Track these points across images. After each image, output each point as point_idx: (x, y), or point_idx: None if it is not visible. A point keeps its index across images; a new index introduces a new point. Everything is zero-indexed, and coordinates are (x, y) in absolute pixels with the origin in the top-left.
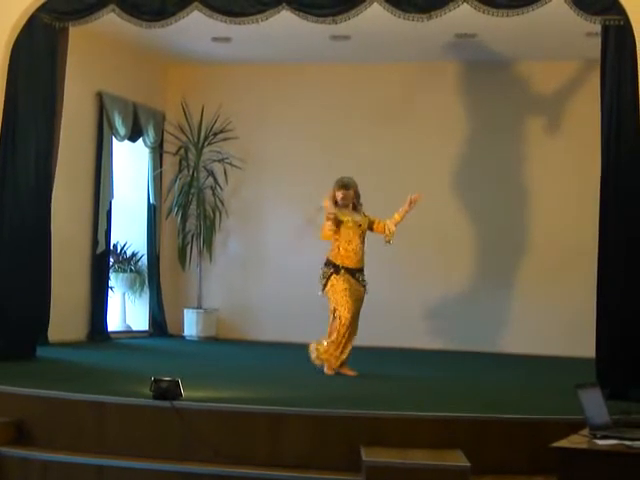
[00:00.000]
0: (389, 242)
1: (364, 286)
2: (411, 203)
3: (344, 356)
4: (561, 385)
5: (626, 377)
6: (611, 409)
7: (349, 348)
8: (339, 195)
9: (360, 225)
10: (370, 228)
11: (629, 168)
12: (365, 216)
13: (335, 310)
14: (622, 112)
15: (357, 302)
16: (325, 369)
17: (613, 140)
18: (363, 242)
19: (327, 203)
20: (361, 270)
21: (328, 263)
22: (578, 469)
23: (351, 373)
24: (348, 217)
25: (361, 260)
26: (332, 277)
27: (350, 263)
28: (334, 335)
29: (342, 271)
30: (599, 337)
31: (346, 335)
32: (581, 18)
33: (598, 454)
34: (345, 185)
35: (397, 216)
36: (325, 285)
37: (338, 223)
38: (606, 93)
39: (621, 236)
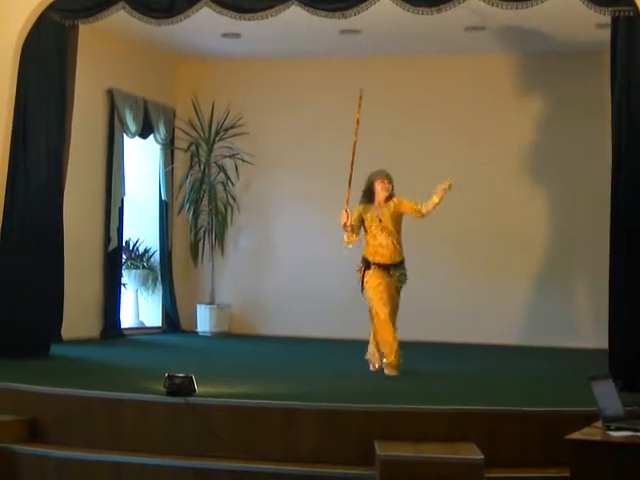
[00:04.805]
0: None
1: (401, 281)
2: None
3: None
4: (574, 377)
5: (638, 368)
6: (624, 400)
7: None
8: (380, 187)
9: (381, 220)
10: (405, 211)
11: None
12: (394, 205)
13: (371, 309)
14: (632, 102)
15: (392, 299)
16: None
17: (624, 130)
18: (391, 235)
19: (344, 217)
20: (395, 265)
21: (362, 259)
22: (592, 461)
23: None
24: (369, 213)
25: (393, 255)
26: (365, 273)
27: (381, 259)
28: (374, 334)
29: (373, 267)
30: (612, 329)
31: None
32: (591, 9)
33: (612, 446)
34: (386, 177)
35: (436, 198)
36: (362, 284)
37: (361, 221)
38: (616, 83)
39: (632, 226)
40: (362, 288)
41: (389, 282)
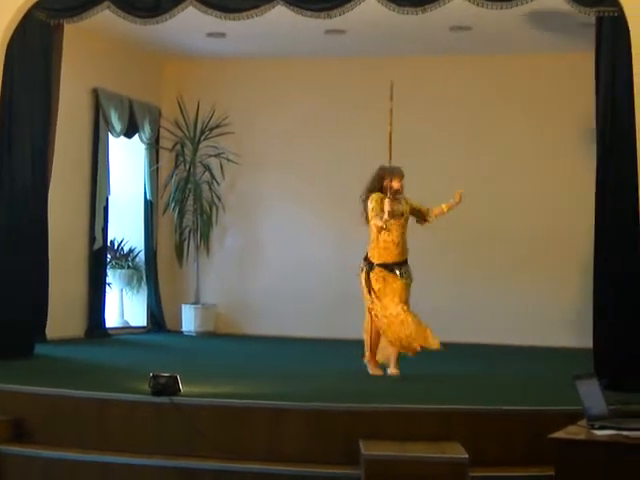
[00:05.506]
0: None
1: (406, 278)
2: (459, 198)
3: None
4: (559, 376)
5: (623, 368)
6: (608, 399)
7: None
8: (396, 185)
9: (402, 214)
10: (412, 213)
11: (624, 158)
12: (406, 203)
13: (370, 310)
14: (617, 102)
15: (395, 297)
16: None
17: (608, 130)
18: (404, 232)
19: (388, 205)
20: (401, 263)
21: (365, 258)
22: (576, 460)
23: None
24: (392, 208)
25: (402, 252)
26: (370, 276)
27: (389, 257)
28: (385, 333)
29: (377, 269)
30: (596, 328)
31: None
32: (575, 10)
33: (596, 445)
34: (402, 174)
35: (445, 207)
36: (367, 287)
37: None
38: (601, 84)
39: (616, 227)
40: (369, 290)
41: (390, 282)
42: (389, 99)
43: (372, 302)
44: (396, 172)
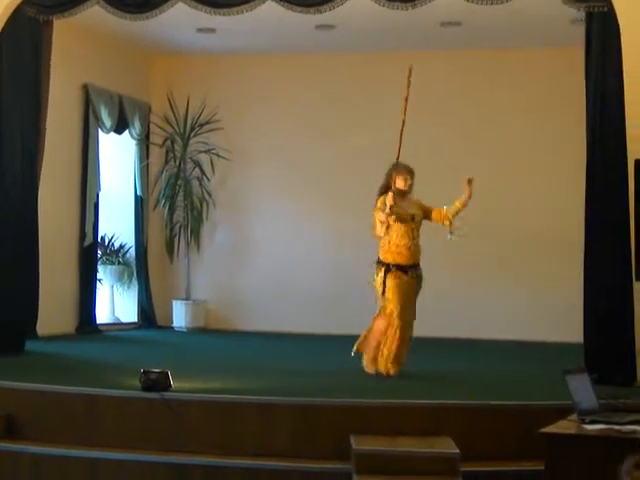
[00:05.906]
0: (452, 235)
1: (417, 281)
2: (469, 185)
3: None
4: (549, 371)
5: (614, 362)
6: (599, 394)
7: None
8: (403, 182)
9: (414, 218)
10: (427, 217)
11: (614, 153)
12: (419, 205)
13: (386, 308)
14: (607, 98)
15: (408, 296)
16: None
17: (598, 125)
18: (417, 235)
19: (391, 199)
20: (414, 266)
21: (378, 261)
22: (566, 454)
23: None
24: (401, 209)
25: (414, 256)
26: (387, 277)
27: (402, 260)
28: (391, 333)
29: (392, 269)
30: (586, 323)
31: (399, 331)
32: (565, 5)
33: (586, 439)
34: (411, 171)
35: (458, 204)
36: (383, 288)
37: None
38: (591, 79)
39: (606, 222)
40: (383, 291)
41: (405, 282)
42: (406, 86)
43: (384, 302)
44: (400, 169)
